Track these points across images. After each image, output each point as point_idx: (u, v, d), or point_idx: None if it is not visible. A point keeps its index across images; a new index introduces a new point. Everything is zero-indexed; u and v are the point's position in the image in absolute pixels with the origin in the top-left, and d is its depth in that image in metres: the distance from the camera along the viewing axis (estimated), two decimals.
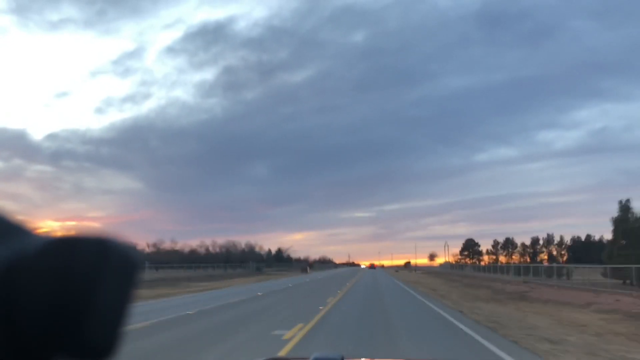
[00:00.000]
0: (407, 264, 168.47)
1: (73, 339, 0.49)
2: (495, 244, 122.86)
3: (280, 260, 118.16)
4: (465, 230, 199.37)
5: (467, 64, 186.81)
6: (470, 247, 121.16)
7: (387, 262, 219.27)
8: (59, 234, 0.52)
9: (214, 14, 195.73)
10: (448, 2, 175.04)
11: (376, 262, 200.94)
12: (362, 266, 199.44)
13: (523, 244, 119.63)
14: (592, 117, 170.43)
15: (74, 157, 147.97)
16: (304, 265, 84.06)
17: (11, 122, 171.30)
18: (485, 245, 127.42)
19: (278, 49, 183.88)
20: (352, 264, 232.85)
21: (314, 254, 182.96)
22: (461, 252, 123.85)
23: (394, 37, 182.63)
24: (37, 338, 0.49)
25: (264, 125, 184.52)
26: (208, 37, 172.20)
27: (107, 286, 0.50)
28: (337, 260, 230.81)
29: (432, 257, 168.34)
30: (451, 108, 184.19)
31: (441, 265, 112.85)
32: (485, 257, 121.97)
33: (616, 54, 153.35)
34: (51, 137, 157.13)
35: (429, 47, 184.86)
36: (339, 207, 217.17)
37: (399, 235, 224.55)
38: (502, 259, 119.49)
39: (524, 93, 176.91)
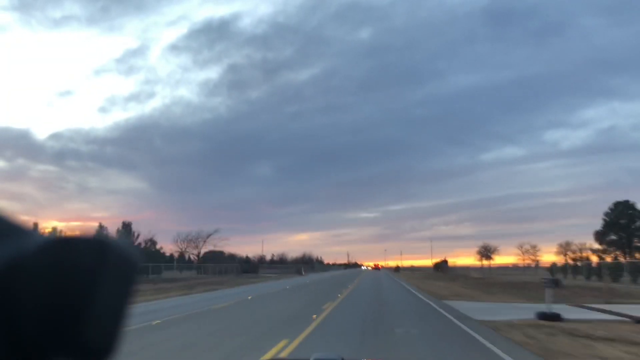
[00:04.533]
0: (442, 265, 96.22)
1: (72, 339, 0.48)
2: None
3: None
4: (471, 231, 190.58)
5: (474, 62, 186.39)
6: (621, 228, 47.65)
7: (394, 262, 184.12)
8: (60, 234, 0.51)
9: (218, 11, 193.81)
10: None
11: (381, 263, 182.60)
12: (364, 267, 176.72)
13: None
14: (600, 116, 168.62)
15: (78, 157, 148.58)
16: None
17: (15, 121, 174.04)
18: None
19: (283, 47, 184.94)
20: (353, 265, 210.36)
21: (296, 252, 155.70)
22: (604, 238, 51.07)
23: (400, 34, 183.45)
24: (37, 338, 0.48)
25: (268, 124, 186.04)
26: (212, 35, 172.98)
27: (106, 286, 0.50)
28: (340, 261, 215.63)
29: (487, 252, 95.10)
30: (457, 107, 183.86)
31: None
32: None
33: (625, 51, 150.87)
34: (55, 136, 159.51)
35: (435, 45, 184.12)
36: (344, 207, 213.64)
37: (403, 236, 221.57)
38: None
39: (531, 91, 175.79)
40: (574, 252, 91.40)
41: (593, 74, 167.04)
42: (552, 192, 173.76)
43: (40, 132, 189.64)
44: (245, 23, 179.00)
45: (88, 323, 0.49)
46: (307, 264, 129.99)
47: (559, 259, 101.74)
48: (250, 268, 79.68)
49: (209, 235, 74.04)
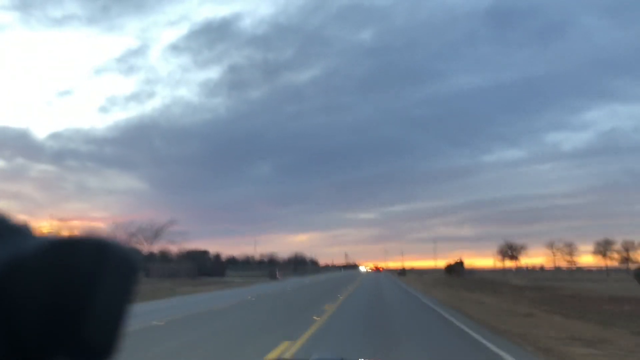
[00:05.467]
0: (456, 267, 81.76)
1: (72, 339, 0.48)
2: None
3: None
4: (471, 232, 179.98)
5: (475, 63, 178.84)
6: None
7: (395, 264, 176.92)
8: (60, 234, 0.52)
9: (219, 11, 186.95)
10: None
11: (382, 264, 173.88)
12: (362, 269, 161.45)
13: None
14: (601, 118, 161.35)
15: (77, 157, 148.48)
16: None
17: (14, 120, 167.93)
18: None
19: (284, 47, 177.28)
20: (352, 266, 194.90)
21: (289, 253, 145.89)
22: None
23: (401, 34, 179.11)
24: (37, 338, 0.48)
25: (268, 124, 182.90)
26: (213, 35, 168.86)
27: (106, 287, 0.50)
28: (339, 262, 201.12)
29: (511, 252, 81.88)
30: (458, 108, 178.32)
31: None
32: None
33: (626, 53, 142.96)
34: (54, 136, 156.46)
35: (436, 45, 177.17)
36: (344, 207, 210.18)
37: (404, 237, 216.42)
38: None
39: (532, 93, 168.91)
40: (618, 252, 76.30)
41: (594, 75, 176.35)
42: (553, 194, 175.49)
43: (40, 132, 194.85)
44: (246, 23, 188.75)
45: (88, 323, 0.48)
46: (299, 265, 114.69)
47: (597, 260, 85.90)
48: (215, 270, 63.76)
49: (161, 228, 58.04)
